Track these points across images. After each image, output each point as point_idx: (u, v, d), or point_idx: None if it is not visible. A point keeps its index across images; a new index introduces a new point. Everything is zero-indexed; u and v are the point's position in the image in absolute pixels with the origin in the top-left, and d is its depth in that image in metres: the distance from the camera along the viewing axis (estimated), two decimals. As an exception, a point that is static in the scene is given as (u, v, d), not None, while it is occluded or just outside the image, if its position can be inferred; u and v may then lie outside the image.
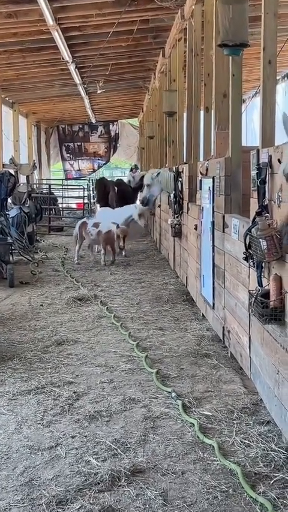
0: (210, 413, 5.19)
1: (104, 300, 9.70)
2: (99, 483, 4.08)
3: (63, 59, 14.71)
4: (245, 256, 5.21)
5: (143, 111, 26.60)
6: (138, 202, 25.50)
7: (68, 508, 3.80)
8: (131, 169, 26.40)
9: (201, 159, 9.68)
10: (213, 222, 7.31)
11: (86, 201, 24.23)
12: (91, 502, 3.86)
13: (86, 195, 24.23)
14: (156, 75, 18.04)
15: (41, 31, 12.55)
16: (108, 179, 23.10)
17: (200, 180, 8.39)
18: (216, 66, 7.84)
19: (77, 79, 17.67)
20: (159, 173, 12.26)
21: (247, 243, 5.09)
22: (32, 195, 17.78)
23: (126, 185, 20.45)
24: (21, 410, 5.37)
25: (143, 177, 19.28)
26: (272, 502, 3.80)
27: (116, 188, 19.16)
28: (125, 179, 25.35)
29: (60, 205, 25.43)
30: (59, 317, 8.77)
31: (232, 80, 7.04)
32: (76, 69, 16.40)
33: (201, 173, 8.35)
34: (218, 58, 7.72)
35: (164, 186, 12.05)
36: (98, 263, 13.42)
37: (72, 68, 15.90)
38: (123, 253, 14.22)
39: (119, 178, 24.81)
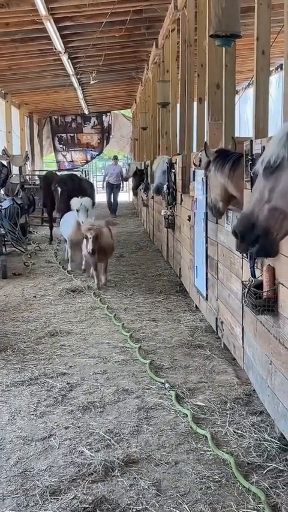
0: (204, 404, 5.20)
1: (97, 292, 9.70)
2: (92, 473, 4.09)
3: (55, 49, 14.65)
4: (238, 247, 5.21)
5: (136, 102, 26.54)
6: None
7: (61, 499, 3.81)
8: (114, 160, 25.63)
9: (195, 150, 9.66)
10: (206, 213, 7.31)
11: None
12: (84, 492, 3.87)
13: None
14: (149, 65, 17.99)
15: (34, 21, 12.49)
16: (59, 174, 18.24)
17: (194, 171, 8.38)
18: (210, 56, 7.82)
19: (69, 70, 17.60)
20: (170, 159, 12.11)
21: (240, 234, 5.08)
22: (25, 186, 17.71)
23: (78, 182, 15.13)
24: (15, 401, 5.37)
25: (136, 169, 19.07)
26: (265, 492, 3.82)
27: (59, 188, 14.14)
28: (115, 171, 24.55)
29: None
30: (52, 308, 8.76)
31: (225, 70, 7.03)
32: (69, 60, 16.34)
33: (194, 164, 8.34)
34: (211, 49, 7.70)
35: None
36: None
37: (65, 58, 15.84)
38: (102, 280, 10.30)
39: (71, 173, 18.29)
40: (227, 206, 6.29)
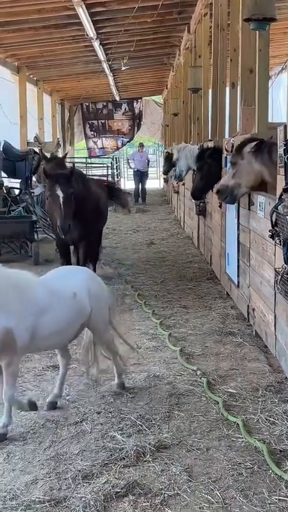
0: (235, 391, 5.19)
1: (128, 278, 9.70)
2: (124, 458, 4.12)
3: (87, 35, 14.60)
4: (271, 234, 5.17)
5: (167, 88, 26.39)
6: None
7: (93, 482, 3.84)
8: (140, 147, 25.51)
9: (227, 136, 9.58)
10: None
11: (110, 179, 24.16)
12: (116, 476, 3.89)
13: (110, 173, 24.16)
14: (181, 51, 17.86)
15: (66, 7, 12.44)
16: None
17: (226, 157, 8.31)
18: (243, 41, 7.72)
19: (101, 56, 17.55)
20: (185, 147, 12.07)
21: (273, 221, 5.04)
22: (57, 173, 17.73)
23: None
24: (47, 386, 5.41)
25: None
26: (297, 480, 3.80)
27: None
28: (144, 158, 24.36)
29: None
30: (83, 294, 8.78)
31: (259, 55, 6.94)
32: (100, 46, 16.28)
33: (226, 150, 8.27)
34: (244, 33, 7.60)
35: (190, 162, 11.89)
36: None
37: (96, 44, 15.78)
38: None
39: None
40: (249, 192, 6.41)
